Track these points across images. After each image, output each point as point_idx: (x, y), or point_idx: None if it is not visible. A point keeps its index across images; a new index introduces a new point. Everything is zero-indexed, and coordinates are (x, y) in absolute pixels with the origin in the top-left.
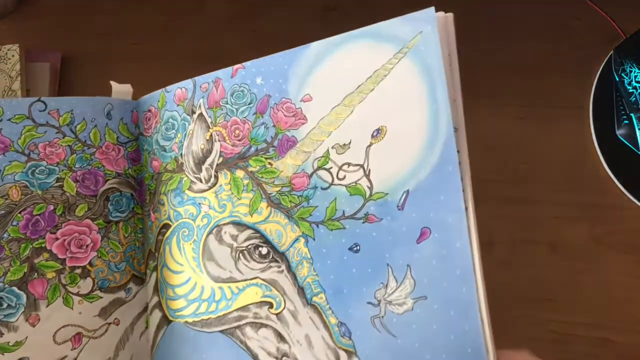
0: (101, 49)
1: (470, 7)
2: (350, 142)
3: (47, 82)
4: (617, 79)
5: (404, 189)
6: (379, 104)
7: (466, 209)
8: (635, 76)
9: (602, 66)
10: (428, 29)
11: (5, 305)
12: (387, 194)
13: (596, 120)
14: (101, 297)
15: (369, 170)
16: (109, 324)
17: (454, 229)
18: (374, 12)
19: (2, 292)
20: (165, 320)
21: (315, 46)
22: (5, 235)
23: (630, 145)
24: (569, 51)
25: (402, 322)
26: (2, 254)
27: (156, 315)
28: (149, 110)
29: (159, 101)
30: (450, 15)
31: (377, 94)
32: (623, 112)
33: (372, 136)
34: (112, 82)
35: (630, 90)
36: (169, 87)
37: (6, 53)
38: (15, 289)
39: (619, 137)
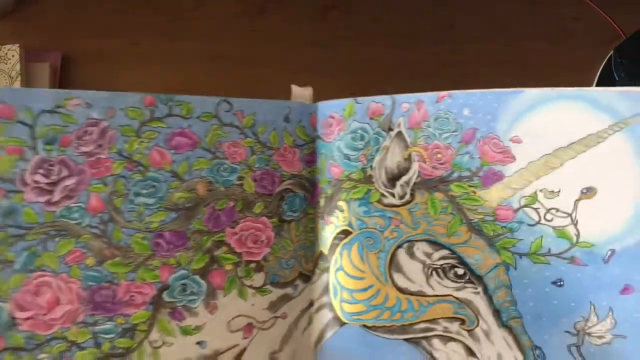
0: (101, 49)
1: (471, 7)
2: (559, 191)
3: (47, 82)
4: (617, 79)
5: (610, 247)
6: (591, 166)
7: None
8: None
9: (602, 66)
10: None
11: (189, 292)
12: (593, 245)
13: None
14: (271, 292)
15: (577, 221)
16: (277, 317)
17: None
18: (373, 11)
19: (187, 279)
20: (337, 321)
21: (529, 93)
22: (190, 226)
23: None
24: (569, 51)
25: (599, 352)
26: (187, 244)
27: (324, 315)
28: (332, 117)
29: (344, 110)
30: None
31: (590, 156)
32: None
33: (582, 192)
34: (293, 86)
35: None
36: (360, 99)
37: (6, 53)
38: (197, 277)
39: None
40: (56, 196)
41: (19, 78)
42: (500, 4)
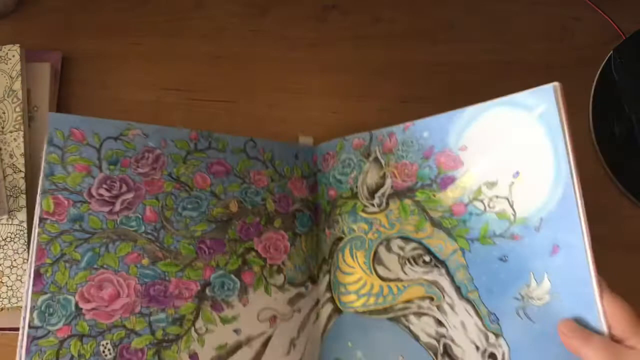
0: (101, 49)
1: (471, 7)
2: (497, 181)
3: (47, 82)
4: (617, 79)
5: (539, 215)
6: (517, 154)
7: (583, 231)
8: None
9: (602, 66)
10: (550, 103)
11: (226, 288)
12: (525, 218)
13: (596, 120)
14: (289, 290)
15: (513, 202)
16: (294, 311)
17: (576, 246)
18: (373, 11)
19: (225, 277)
20: (336, 311)
21: (469, 109)
22: (226, 235)
23: (630, 145)
24: (569, 51)
25: (541, 311)
26: (225, 249)
27: (328, 308)
28: (328, 154)
29: (336, 147)
30: (558, 84)
31: (516, 145)
32: (623, 112)
33: (513, 176)
34: (299, 135)
35: None
36: (347, 137)
37: (6, 53)
38: (233, 276)
39: (619, 137)
40: (117, 207)
41: (19, 78)
42: (500, 4)
